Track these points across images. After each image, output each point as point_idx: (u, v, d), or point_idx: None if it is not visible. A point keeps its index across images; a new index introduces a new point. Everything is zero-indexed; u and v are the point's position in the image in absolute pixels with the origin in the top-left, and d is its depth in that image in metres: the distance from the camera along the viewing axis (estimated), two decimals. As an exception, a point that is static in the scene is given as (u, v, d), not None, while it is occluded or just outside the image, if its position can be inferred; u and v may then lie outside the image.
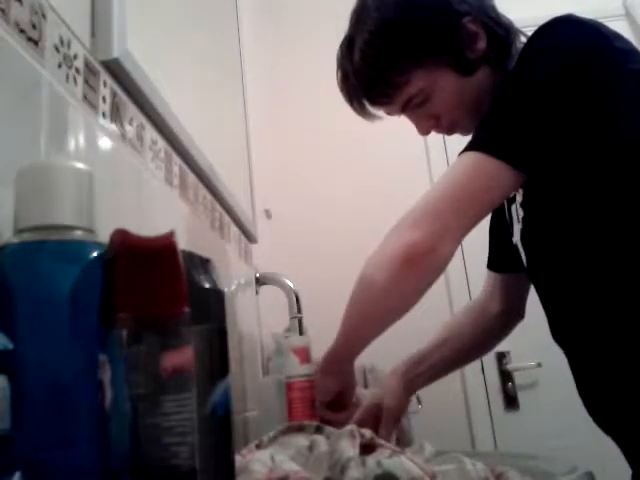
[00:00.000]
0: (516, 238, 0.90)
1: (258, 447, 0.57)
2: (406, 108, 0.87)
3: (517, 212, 0.88)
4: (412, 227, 0.72)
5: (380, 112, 0.95)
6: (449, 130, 0.89)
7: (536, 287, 0.89)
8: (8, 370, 0.28)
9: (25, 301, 0.30)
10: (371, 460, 0.45)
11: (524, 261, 0.89)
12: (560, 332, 0.84)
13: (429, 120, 0.87)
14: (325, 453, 0.49)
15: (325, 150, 2.31)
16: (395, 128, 2.33)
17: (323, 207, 2.25)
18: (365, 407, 0.90)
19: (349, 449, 0.46)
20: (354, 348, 0.82)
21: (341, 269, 2.23)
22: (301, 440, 0.57)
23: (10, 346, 0.29)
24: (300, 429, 0.61)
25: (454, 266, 2.18)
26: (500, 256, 1.03)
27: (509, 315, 1.04)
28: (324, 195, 2.26)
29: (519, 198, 0.86)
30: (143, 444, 0.28)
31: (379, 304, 0.76)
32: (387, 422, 0.88)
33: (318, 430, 0.60)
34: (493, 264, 1.07)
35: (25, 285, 0.31)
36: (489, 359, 2.08)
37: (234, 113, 1.38)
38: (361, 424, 0.70)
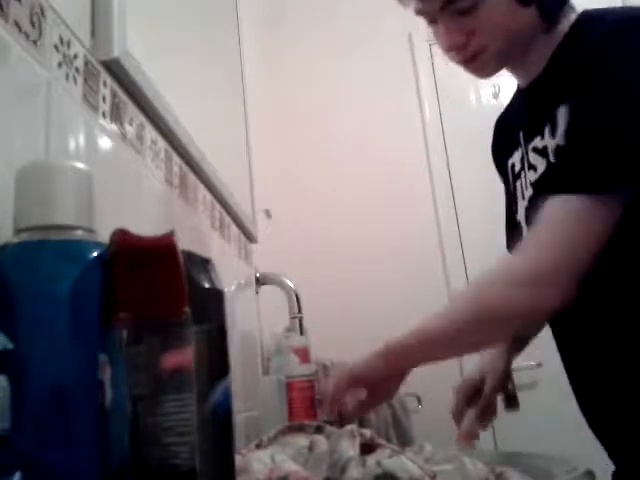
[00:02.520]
0: (520, 215, 0.88)
1: (258, 447, 0.57)
2: (446, 9, 0.80)
3: (523, 189, 0.85)
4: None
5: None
6: (471, 57, 0.82)
7: None
8: (8, 370, 0.28)
9: (25, 301, 0.30)
10: (371, 460, 0.45)
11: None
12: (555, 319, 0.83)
13: (460, 35, 0.81)
14: (325, 453, 0.49)
15: (325, 150, 2.31)
16: (396, 129, 2.34)
17: (323, 207, 2.25)
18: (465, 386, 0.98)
19: (349, 449, 0.46)
20: (412, 360, 0.78)
21: (341, 269, 2.23)
22: (301, 440, 0.57)
23: (10, 346, 0.29)
24: (300, 429, 0.61)
25: (454, 266, 2.19)
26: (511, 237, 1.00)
27: None
28: (324, 195, 2.27)
29: (530, 175, 0.83)
30: (143, 444, 0.28)
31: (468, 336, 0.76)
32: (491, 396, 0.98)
33: (318, 430, 0.60)
34: (508, 245, 1.03)
35: (25, 285, 0.31)
36: (489, 359, 2.08)
37: (234, 113, 1.38)
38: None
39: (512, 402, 1.09)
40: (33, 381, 0.30)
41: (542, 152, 0.79)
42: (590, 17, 0.78)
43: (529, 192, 0.83)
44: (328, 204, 2.25)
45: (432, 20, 0.83)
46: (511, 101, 0.97)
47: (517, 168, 0.87)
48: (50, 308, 0.31)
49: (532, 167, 0.82)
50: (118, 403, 0.29)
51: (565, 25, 0.80)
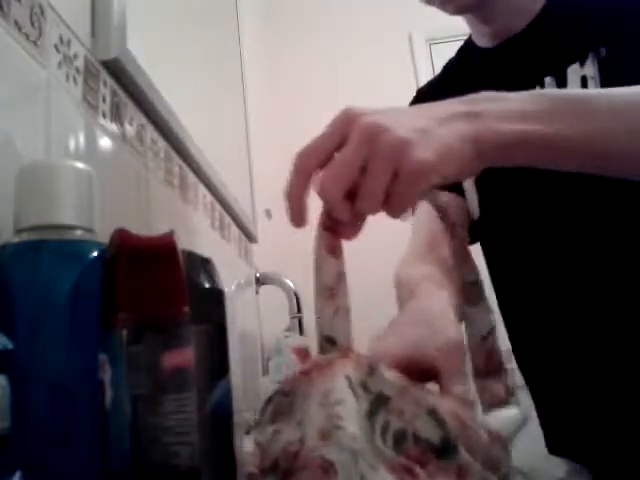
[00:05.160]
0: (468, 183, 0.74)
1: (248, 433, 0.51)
2: None
3: None
4: None
5: None
6: None
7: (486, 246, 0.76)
8: (8, 370, 0.28)
9: (25, 301, 0.30)
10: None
11: (474, 208, 0.73)
12: (506, 305, 0.75)
13: None
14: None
15: (325, 150, 2.31)
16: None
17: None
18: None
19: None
20: (540, 147, 0.42)
21: (341, 269, 2.23)
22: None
23: (10, 346, 0.29)
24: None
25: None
26: None
27: None
28: (324, 195, 2.26)
29: None
30: (143, 444, 0.28)
31: None
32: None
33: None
34: None
35: (25, 285, 0.31)
36: (489, 359, 2.08)
37: (234, 113, 1.38)
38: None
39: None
40: (33, 381, 0.30)
41: None
42: None
43: None
44: (328, 204, 2.25)
45: None
46: (452, 66, 0.84)
47: None
48: (50, 308, 0.31)
49: None
50: (118, 403, 0.29)
51: None
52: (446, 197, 0.42)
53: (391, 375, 0.37)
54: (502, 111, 0.41)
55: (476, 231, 0.74)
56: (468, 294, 0.41)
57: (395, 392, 0.36)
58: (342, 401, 0.36)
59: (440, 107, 0.41)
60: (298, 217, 0.41)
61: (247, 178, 1.46)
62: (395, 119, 0.38)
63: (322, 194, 0.39)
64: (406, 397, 0.36)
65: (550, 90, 0.57)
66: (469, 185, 0.73)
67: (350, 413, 0.35)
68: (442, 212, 0.42)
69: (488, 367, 0.40)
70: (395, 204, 0.38)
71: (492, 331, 0.40)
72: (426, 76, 2.46)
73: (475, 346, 0.40)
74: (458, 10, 0.71)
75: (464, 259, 0.42)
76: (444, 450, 0.35)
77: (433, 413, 0.36)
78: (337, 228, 0.40)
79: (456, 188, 0.73)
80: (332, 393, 0.36)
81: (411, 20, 2.41)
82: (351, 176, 0.38)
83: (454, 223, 0.42)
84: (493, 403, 0.40)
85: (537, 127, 0.41)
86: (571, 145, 0.42)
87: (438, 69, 0.88)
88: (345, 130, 0.40)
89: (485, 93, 0.42)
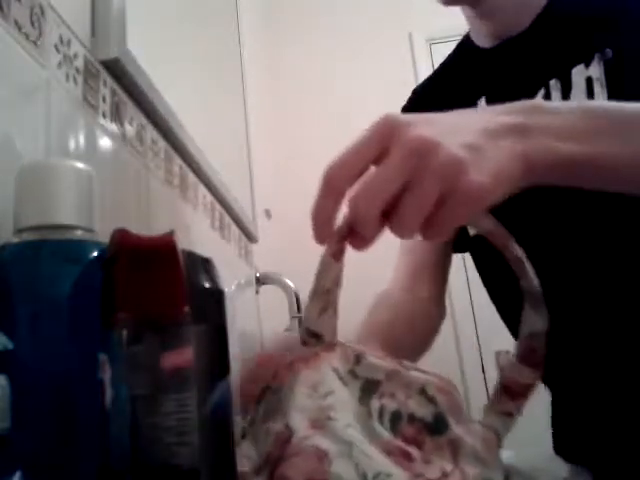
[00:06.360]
0: None
1: (243, 437, 0.52)
2: None
3: None
4: None
5: None
6: None
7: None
8: (8, 370, 0.28)
9: (25, 301, 0.30)
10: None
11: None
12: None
13: None
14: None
15: (325, 150, 2.31)
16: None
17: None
18: None
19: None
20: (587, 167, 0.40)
21: (341, 269, 2.23)
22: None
23: (10, 346, 0.29)
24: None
25: (455, 267, 2.19)
26: None
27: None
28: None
29: None
30: (143, 444, 0.28)
31: None
32: None
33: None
34: None
35: (25, 285, 0.31)
36: (489, 359, 2.08)
37: (234, 113, 1.38)
38: None
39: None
40: (33, 381, 0.30)
41: None
42: None
43: None
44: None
45: None
46: (450, 64, 0.83)
47: None
48: (50, 308, 0.31)
49: None
50: (118, 403, 0.29)
51: None
52: (492, 221, 0.41)
53: (378, 360, 0.38)
54: (553, 127, 0.38)
55: (464, 242, 0.74)
56: (527, 299, 0.43)
57: (384, 376, 0.37)
58: (332, 392, 0.36)
59: (487, 117, 0.38)
60: (323, 237, 0.37)
61: (247, 178, 1.46)
62: (443, 132, 0.35)
63: (355, 212, 0.34)
64: (395, 379, 0.37)
65: (597, 104, 0.55)
66: None
67: (342, 403, 0.36)
68: (492, 237, 0.41)
69: (528, 359, 0.43)
70: (438, 228, 0.35)
71: (541, 333, 0.42)
72: (426, 76, 2.47)
73: (522, 339, 0.43)
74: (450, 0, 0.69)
75: (520, 272, 0.42)
76: (436, 426, 0.36)
77: (423, 392, 0.37)
78: (352, 239, 0.37)
79: None
80: (321, 385, 0.36)
81: (411, 20, 2.41)
82: (392, 195, 0.33)
83: (506, 245, 0.42)
84: (512, 387, 0.43)
85: (589, 148, 0.39)
86: (621, 168, 0.40)
87: (438, 69, 0.89)
88: (386, 141, 0.36)
89: (532, 102, 0.40)
